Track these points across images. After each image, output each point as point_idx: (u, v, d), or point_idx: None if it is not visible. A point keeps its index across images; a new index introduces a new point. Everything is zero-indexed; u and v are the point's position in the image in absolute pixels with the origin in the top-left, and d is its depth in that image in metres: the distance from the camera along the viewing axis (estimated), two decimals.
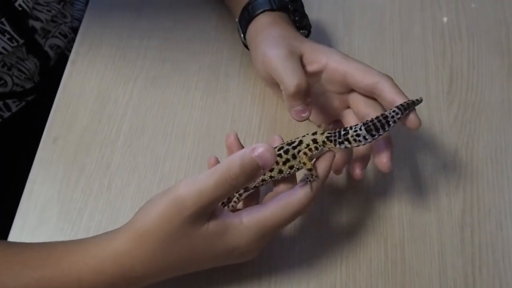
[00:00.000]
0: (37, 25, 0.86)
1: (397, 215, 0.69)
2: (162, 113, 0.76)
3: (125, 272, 0.53)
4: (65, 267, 0.53)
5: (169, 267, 0.55)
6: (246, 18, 0.72)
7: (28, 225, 0.68)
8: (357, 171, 0.64)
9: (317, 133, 0.58)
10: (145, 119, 0.75)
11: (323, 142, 0.58)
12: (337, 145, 0.58)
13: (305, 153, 0.57)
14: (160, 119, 0.76)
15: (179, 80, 0.79)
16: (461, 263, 0.66)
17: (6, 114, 0.89)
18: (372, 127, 0.57)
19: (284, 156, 0.58)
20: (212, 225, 0.53)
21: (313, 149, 0.57)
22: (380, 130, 0.57)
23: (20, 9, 0.80)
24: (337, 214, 0.69)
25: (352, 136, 0.57)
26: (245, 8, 0.72)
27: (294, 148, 0.58)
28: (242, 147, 0.62)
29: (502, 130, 0.75)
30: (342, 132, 0.58)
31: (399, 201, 0.70)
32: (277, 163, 0.58)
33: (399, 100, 0.60)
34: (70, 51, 0.80)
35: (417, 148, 0.73)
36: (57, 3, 0.90)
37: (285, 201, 0.56)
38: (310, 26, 0.75)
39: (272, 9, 0.70)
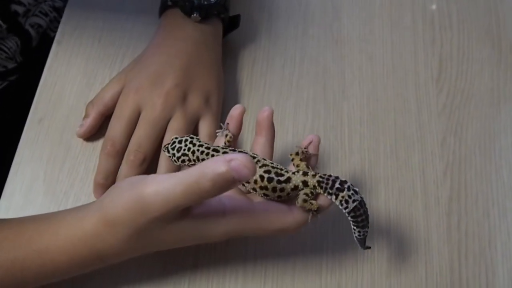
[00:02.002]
0: (19, 9, 0.84)
1: (384, 202, 0.69)
2: None
3: (98, 253, 0.52)
4: (37, 249, 0.52)
5: (141, 249, 0.53)
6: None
7: (14, 205, 0.67)
8: None
9: (308, 173, 0.54)
10: None
11: (314, 186, 0.54)
12: (325, 194, 0.54)
13: (305, 200, 0.53)
14: None
15: None
16: (447, 250, 0.66)
17: None
18: (363, 208, 0.54)
19: (265, 182, 0.54)
20: (187, 222, 0.51)
21: (309, 194, 0.54)
22: (361, 218, 0.54)
23: None
24: None
25: (343, 196, 0.53)
26: None
27: (279, 182, 0.54)
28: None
29: (491, 118, 0.75)
30: (336, 185, 0.53)
31: (386, 188, 0.70)
32: (255, 181, 0.54)
33: None
34: (53, 31, 0.79)
35: (405, 135, 0.73)
36: None
37: (276, 215, 0.53)
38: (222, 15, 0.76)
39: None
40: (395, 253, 0.65)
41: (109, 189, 0.52)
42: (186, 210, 0.50)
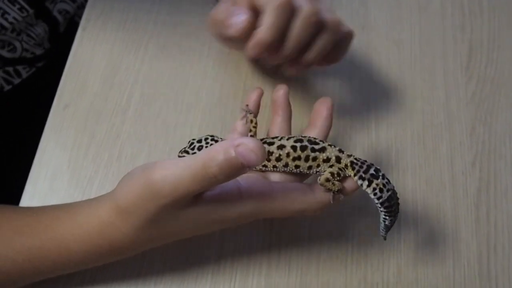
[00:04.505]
0: None
1: (411, 192, 0.68)
2: (173, 81, 0.74)
3: (112, 242, 0.52)
4: (53, 237, 0.52)
5: (157, 239, 0.52)
6: None
7: (39, 191, 0.67)
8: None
9: (344, 152, 0.53)
10: (156, 87, 0.74)
11: (346, 165, 0.53)
12: (355, 177, 0.52)
13: (327, 180, 0.52)
14: (171, 87, 0.74)
15: (191, 47, 0.77)
16: (476, 242, 0.65)
17: (17, 81, 0.88)
18: (396, 197, 0.53)
19: (298, 152, 0.53)
20: (200, 207, 0.49)
21: (335, 174, 0.52)
22: (394, 207, 0.53)
23: None
24: None
25: (377, 184, 0.52)
26: None
27: (313, 150, 0.53)
28: (289, 104, 0.59)
29: None
30: (371, 171, 0.52)
31: (413, 178, 0.69)
32: (287, 155, 0.53)
33: None
34: (80, 17, 0.79)
35: (433, 125, 0.72)
36: None
37: (296, 195, 0.52)
38: None
39: None
40: (422, 245, 0.65)
41: (123, 177, 0.51)
42: (198, 196, 0.49)
